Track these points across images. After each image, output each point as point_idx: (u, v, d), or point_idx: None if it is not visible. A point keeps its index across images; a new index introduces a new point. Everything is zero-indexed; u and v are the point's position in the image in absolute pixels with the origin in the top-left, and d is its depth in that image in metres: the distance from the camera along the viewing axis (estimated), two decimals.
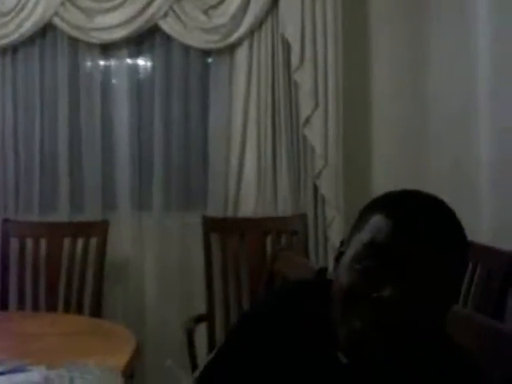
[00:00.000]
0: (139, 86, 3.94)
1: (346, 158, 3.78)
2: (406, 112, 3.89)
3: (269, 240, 3.78)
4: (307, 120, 3.74)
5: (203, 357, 3.47)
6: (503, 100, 3.46)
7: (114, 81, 3.94)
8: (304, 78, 3.72)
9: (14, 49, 3.80)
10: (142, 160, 3.91)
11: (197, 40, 3.79)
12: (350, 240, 1.24)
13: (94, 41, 3.79)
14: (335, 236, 3.72)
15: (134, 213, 3.88)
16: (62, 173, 3.82)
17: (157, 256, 3.89)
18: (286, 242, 3.75)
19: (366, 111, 3.94)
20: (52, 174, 3.85)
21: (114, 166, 3.89)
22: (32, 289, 3.62)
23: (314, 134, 3.74)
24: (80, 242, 3.63)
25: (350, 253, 1.22)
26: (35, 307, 3.59)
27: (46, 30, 3.80)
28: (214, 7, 3.79)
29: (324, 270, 2.56)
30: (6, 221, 3.70)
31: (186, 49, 3.85)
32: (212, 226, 3.77)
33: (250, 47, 3.79)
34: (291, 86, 3.79)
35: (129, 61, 3.92)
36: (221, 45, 3.79)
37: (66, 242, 3.64)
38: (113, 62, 3.94)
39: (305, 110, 3.74)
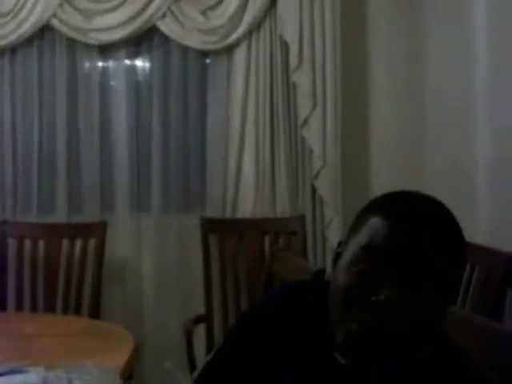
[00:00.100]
0: (137, 86, 3.94)
1: (344, 159, 3.79)
2: (403, 112, 3.89)
3: (267, 241, 3.78)
4: (305, 121, 3.74)
5: (202, 358, 3.47)
6: (501, 100, 3.46)
7: (112, 82, 3.94)
8: (302, 79, 3.72)
9: (12, 50, 3.80)
10: (141, 161, 3.91)
11: (195, 41, 3.79)
12: (348, 241, 1.24)
13: (92, 42, 3.79)
14: (333, 237, 3.72)
15: (133, 214, 3.88)
16: (61, 174, 3.82)
17: (155, 257, 3.89)
18: (285, 243, 3.75)
19: (364, 112, 3.94)
20: (50, 174, 3.85)
21: (113, 166, 3.89)
22: (30, 290, 3.61)
23: (312, 135, 3.74)
24: (78, 243, 3.63)
25: (347, 255, 1.21)
26: (33, 308, 3.59)
27: (44, 31, 3.80)
28: (212, 8, 3.79)
29: (322, 271, 2.57)
30: (4, 222, 3.70)
31: (184, 50, 3.85)
32: (210, 227, 3.77)
33: (248, 48, 3.80)
34: (289, 86, 3.80)
35: (127, 62, 3.92)
36: (219, 46, 3.79)
37: (65, 243, 3.63)
38: (111, 63, 3.94)
39: (303, 110, 3.74)
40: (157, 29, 3.81)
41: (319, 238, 3.82)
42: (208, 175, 3.89)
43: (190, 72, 3.90)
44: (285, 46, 3.76)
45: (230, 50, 3.82)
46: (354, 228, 1.24)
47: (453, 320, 1.28)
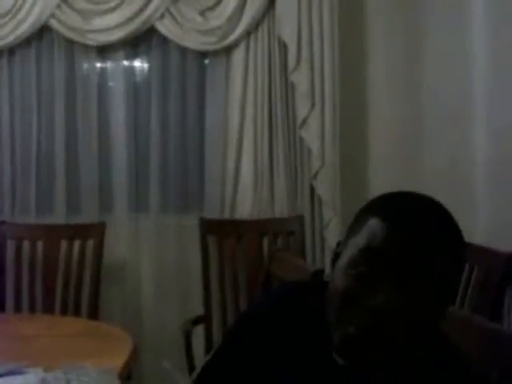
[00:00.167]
0: (136, 87, 3.94)
1: (343, 159, 3.79)
2: (402, 112, 3.89)
3: (266, 241, 3.78)
4: (304, 121, 3.74)
5: (200, 358, 3.47)
6: (499, 99, 3.46)
7: (110, 82, 3.93)
8: (300, 79, 3.72)
9: (10, 51, 3.79)
10: (139, 161, 3.91)
11: (193, 42, 3.79)
12: (347, 242, 1.23)
13: (90, 43, 3.79)
14: (332, 237, 3.72)
15: (131, 215, 3.88)
16: (59, 174, 3.82)
17: (154, 258, 3.89)
18: (283, 244, 3.75)
19: (363, 112, 3.94)
20: (48, 175, 3.84)
21: (111, 167, 3.89)
22: (29, 291, 3.61)
23: (310, 135, 3.74)
24: (77, 244, 3.63)
25: (345, 256, 1.21)
26: (32, 309, 3.59)
27: (42, 32, 3.79)
28: (210, 9, 3.79)
29: (320, 271, 2.57)
30: (2, 223, 3.70)
31: (183, 50, 3.85)
32: (209, 227, 3.77)
33: (247, 48, 3.80)
34: (288, 87, 3.80)
35: (125, 63, 3.91)
36: (217, 46, 3.79)
37: (63, 244, 3.63)
38: (109, 64, 3.94)
39: (301, 110, 3.74)
40: (155, 30, 3.80)
41: (318, 238, 3.83)
42: (206, 176, 3.89)
43: (189, 73, 3.89)
44: (283, 47, 3.76)
45: (228, 50, 3.82)
46: (352, 229, 1.23)
47: (452, 320, 1.28)
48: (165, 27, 3.77)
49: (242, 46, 3.79)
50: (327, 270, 2.85)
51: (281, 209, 3.82)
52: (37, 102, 3.82)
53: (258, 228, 3.79)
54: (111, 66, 3.93)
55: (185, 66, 3.88)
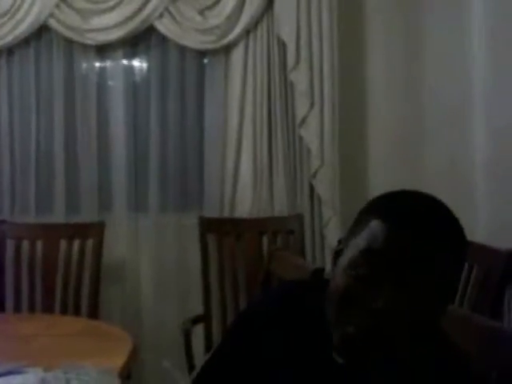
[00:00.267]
0: (135, 86, 3.94)
1: (342, 158, 3.79)
2: (401, 112, 3.90)
3: (265, 240, 3.78)
4: (303, 120, 3.74)
5: (200, 357, 3.47)
6: (498, 99, 3.47)
7: (109, 82, 3.93)
8: (299, 78, 3.72)
9: (9, 51, 3.79)
10: (138, 161, 3.91)
11: (192, 41, 3.79)
12: (348, 242, 1.23)
13: (89, 42, 3.78)
14: (331, 236, 3.72)
15: (131, 214, 3.88)
16: (58, 174, 3.81)
17: (153, 257, 3.89)
18: (283, 242, 3.75)
19: (362, 111, 3.94)
20: (48, 175, 3.84)
21: (110, 167, 3.89)
22: (28, 290, 3.61)
23: (309, 134, 3.74)
24: (76, 244, 3.62)
25: (346, 257, 1.20)
26: (32, 309, 3.58)
27: (41, 32, 3.79)
28: (209, 8, 3.79)
29: (320, 270, 2.57)
30: (2, 222, 3.70)
31: (182, 49, 3.85)
32: (208, 226, 3.77)
33: (246, 47, 3.79)
34: (287, 86, 3.79)
35: (124, 62, 3.91)
36: (216, 45, 3.79)
37: (63, 243, 3.63)
38: (108, 63, 3.94)
39: (300, 109, 3.74)
40: (154, 29, 3.80)
41: (317, 237, 3.82)
42: (206, 175, 3.89)
43: (188, 72, 3.89)
44: (282, 46, 3.76)
45: (227, 49, 3.82)
46: (353, 229, 1.23)
47: (452, 319, 1.28)
48: (164, 26, 3.77)
49: (241, 45, 3.79)
50: (327, 268, 2.86)
51: (280, 207, 3.82)
52: (36, 101, 3.82)
53: (258, 227, 3.79)
54: (110, 65, 3.93)
55: (184, 65, 3.88)
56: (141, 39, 3.88)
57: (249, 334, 1.37)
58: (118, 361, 2.42)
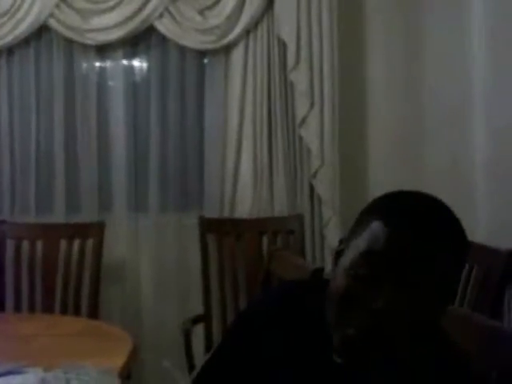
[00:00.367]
0: (135, 86, 3.94)
1: (342, 158, 3.79)
2: (401, 112, 3.90)
3: (265, 240, 3.78)
4: (303, 120, 3.73)
5: (200, 357, 3.47)
6: (499, 99, 3.47)
7: (109, 82, 3.93)
8: (300, 78, 3.72)
9: (9, 51, 3.79)
10: (138, 161, 3.91)
11: (192, 41, 3.79)
12: (349, 243, 1.23)
13: (89, 42, 3.78)
14: (331, 236, 3.72)
15: (131, 214, 3.88)
16: (58, 174, 3.81)
17: (153, 257, 3.89)
18: (283, 242, 3.75)
19: (362, 111, 3.94)
20: (48, 175, 3.84)
21: (110, 167, 3.89)
22: (28, 290, 3.61)
23: (309, 134, 3.74)
24: (76, 244, 3.62)
25: (347, 257, 1.20)
26: (32, 309, 3.58)
27: (41, 32, 3.79)
28: (209, 8, 3.79)
29: (320, 270, 2.57)
30: (2, 222, 3.70)
31: (182, 49, 3.85)
32: (208, 226, 3.77)
33: (246, 47, 3.79)
34: (287, 86, 3.79)
35: (124, 62, 3.91)
36: (216, 45, 3.79)
37: (63, 243, 3.63)
38: (108, 63, 3.94)
39: (300, 109, 3.74)
40: (154, 29, 3.80)
41: (317, 237, 3.82)
42: (206, 175, 3.89)
43: (188, 72, 3.89)
44: (282, 46, 3.76)
45: (227, 49, 3.82)
46: (354, 230, 1.23)
47: (452, 318, 1.28)
48: (164, 26, 3.77)
49: (241, 45, 3.79)
50: (327, 268, 2.86)
51: (280, 207, 3.82)
52: (36, 101, 3.81)
53: (258, 227, 3.79)
54: (110, 65, 3.93)
55: (184, 65, 3.88)
56: (141, 39, 3.88)
57: (249, 333, 1.37)
58: (118, 361, 2.42)
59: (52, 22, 3.73)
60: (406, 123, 3.89)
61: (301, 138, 3.79)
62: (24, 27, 3.71)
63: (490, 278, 2.72)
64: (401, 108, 3.90)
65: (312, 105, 3.72)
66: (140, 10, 3.73)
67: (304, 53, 3.70)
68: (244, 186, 3.83)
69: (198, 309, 3.72)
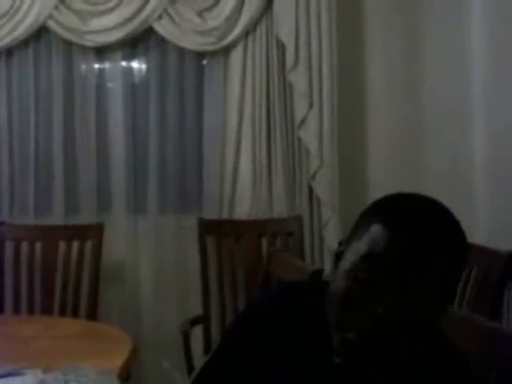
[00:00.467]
0: (134, 88, 3.93)
1: (342, 159, 3.78)
2: (401, 112, 3.90)
3: (264, 242, 3.77)
4: (302, 121, 3.73)
5: (199, 358, 3.47)
6: (498, 100, 3.46)
7: (108, 83, 3.93)
8: (298, 79, 3.72)
9: (8, 52, 3.78)
10: (137, 162, 3.90)
11: (191, 42, 3.79)
12: (349, 245, 1.22)
13: (88, 44, 3.78)
14: (331, 237, 3.72)
15: (130, 215, 3.87)
16: (57, 175, 3.81)
17: (153, 258, 3.89)
18: (282, 244, 3.75)
19: (361, 111, 3.94)
20: (47, 176, 3.84)
21: (109, 168, 3.88)
22: (27, 292, 3.60)
23: (308, 135, 3.74)
24: (75, 245, 3.62)
25: (347, 259, 1.20)
26: (31, 310, 3.58)
27: (40, 33, 3.79)
28: (208, 9, 3.79)
29: (319, 271, 2.56)
30: (0, 224, 3.69)
31: (181, 51, 3.84)
32: (207, 228, 3.77)
33: (245, 49, 3.79)
34: (286, 87, 3.79)
35: (123, 63, 3.91)
36: (215, 47, 3.78)
37: (62, 244, 3.63)
38: (107, 65, 3.93)
39: (299, 110, 3.73)
40: (153, 30, 3.80)
41: (316, 238, 3.82)
42: (205, 176, 3.89)
43: (187, 73, 3.89)
44: (281, 47, 3.76)
45: (226, 50, 3.82)
46: (354, 232, 1.22)
47: (451, 320, 1.28)
48: (163, 28, 3.77)
49: (240, 47, 3.79)
50: (326, 269, 2.86)
51: (279, 209, 3.82)
52: (35, 103, 3.81)
53: (257, 228, 3.79)
54: (109, 66, 3.93)
55: (183, 66, 3.88)
56: (140, 41, 3.88)
57: (248, 334, 1.37)
58: (118, 362, 2.41)
59: (51, 24, 3.73)
60: (405, 123, 3.89)
61: (300, 139, 3.79)
62: (23, 29, 3.71)
63: (490, 279, 2.72)
64: (400, 108, 3.90)
65: (311, 105, 3.72)
66: (139, 11, 3.73)
67: (303, 53, 3.70)
68: (243, 187, 3.83)
69: (197, 310, 3.71)
